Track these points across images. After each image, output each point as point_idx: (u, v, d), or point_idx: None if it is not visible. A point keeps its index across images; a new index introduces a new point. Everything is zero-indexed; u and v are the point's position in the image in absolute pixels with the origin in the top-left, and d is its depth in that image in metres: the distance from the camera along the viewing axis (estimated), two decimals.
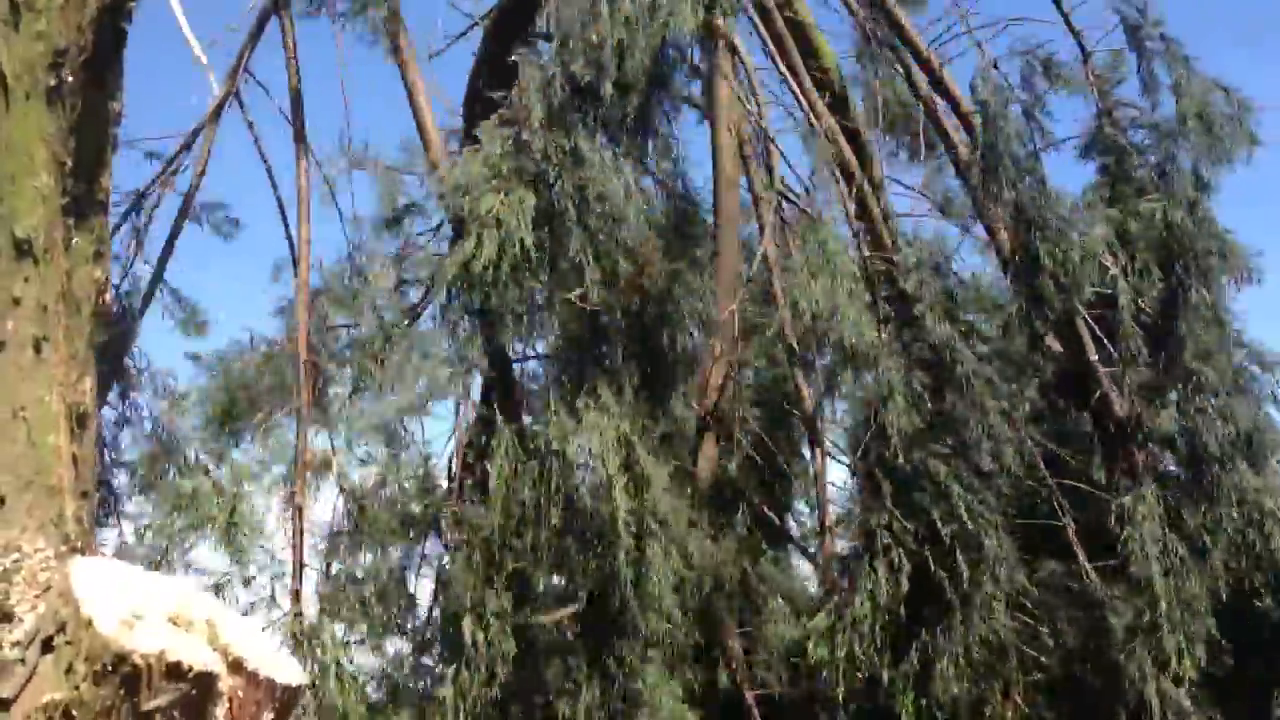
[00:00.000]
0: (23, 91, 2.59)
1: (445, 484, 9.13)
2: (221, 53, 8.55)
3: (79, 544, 2.84)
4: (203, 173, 9.26)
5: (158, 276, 8.99)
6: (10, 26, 2.56)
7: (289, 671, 2.39)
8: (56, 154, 2.72)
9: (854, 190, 7.88)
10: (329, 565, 8.49)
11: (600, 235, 6.47)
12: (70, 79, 2.75)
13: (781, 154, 9.50)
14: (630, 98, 6.34)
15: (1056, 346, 8.41)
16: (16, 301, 2.54)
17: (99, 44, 2.98)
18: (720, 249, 8.53)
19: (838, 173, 7.94)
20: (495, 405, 7.49)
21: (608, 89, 6.27)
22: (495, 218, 6.13)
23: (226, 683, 2.23)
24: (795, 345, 8.17)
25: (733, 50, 8.55)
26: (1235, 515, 7.79)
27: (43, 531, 2.55)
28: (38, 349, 2.59)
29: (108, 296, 3.12)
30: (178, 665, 2.09)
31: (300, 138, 9.35)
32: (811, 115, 8.16)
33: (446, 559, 8.21)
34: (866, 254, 7.79)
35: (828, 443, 9.19)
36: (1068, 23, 8.81)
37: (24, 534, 2.50)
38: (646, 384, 7.11)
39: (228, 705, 2.23)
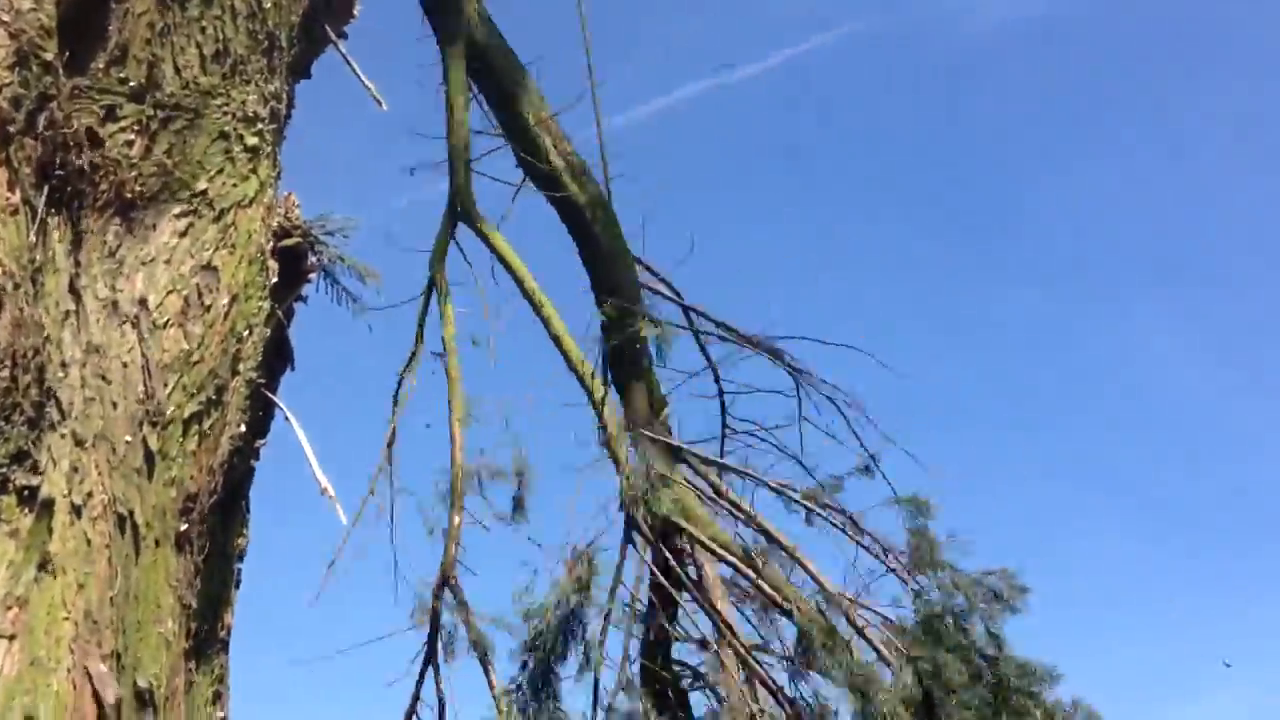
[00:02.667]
0: (153, 538, 2.61)
1: None
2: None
3: None
4: None
5: None
6: (144, 475, 2.62)
7: None
8: (183, 598, 2.71)
9: None
10: None
11: None
12: (200, 523, 2.79)
13: None
14: None
15: None
16: None
17: (228, 485, 3.07)
18: None
19: None
20: None
21: None
22: None
23: None
24: None
25: None
26: None
27: None
28: None
29: None
30: None
31: None
32: None
33: None
34: None
35: None
36: None
37: None
38: None
39: None
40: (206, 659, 2.95)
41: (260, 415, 3.33)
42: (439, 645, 7.15)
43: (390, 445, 7.36)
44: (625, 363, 7.88)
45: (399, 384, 7.52)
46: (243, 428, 2.97)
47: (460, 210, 7.42)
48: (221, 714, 2.98)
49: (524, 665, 6.90)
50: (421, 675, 7.30)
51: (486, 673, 6.92)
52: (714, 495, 7.57)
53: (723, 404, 8.49)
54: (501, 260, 7.38)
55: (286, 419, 3.30)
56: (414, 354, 7.63)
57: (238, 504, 3.18)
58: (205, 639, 2.95)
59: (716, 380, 8.44)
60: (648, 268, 8.20)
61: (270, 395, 3.33)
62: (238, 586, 3.19)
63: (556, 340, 7.48)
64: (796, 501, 8.22)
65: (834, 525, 8.30)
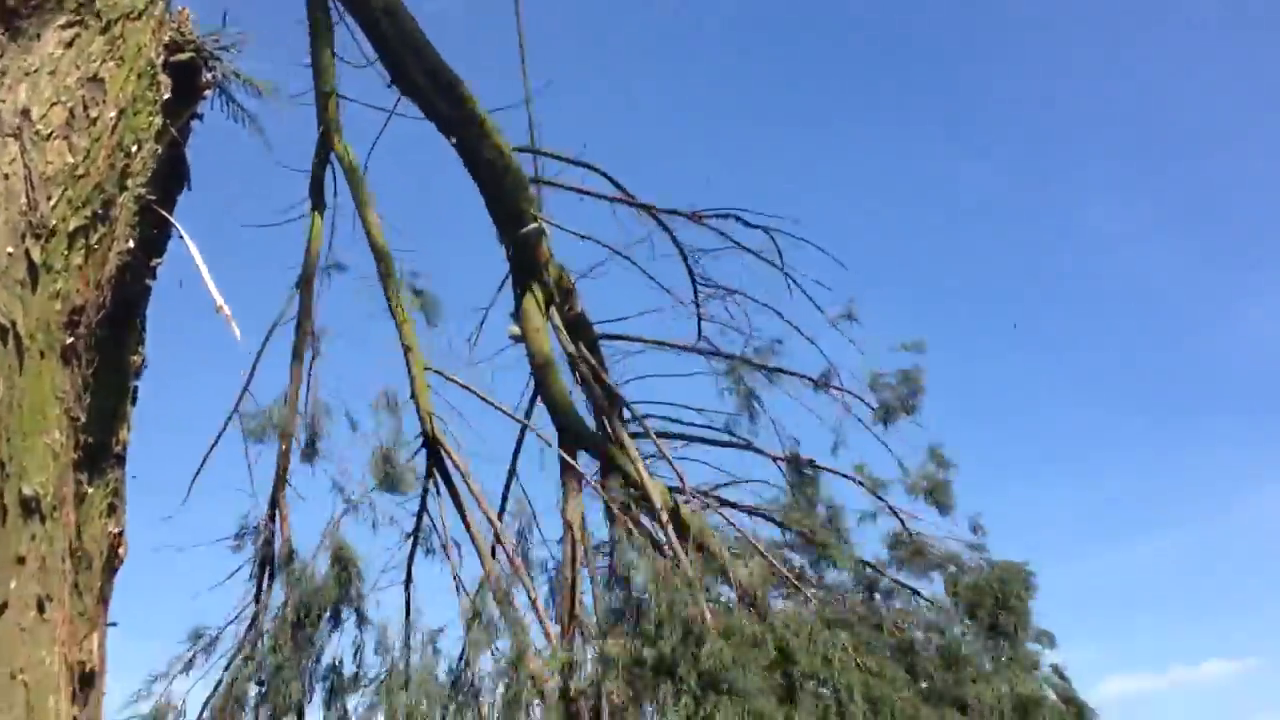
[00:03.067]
0: (37, 350, 2.61)
1: None
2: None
3: None
4: None
5: None
6: (27, 287, 2.60)
7: None
8: (70, 410, 2.72)
9: None
10: None
11: None
12: (87, 336, 2.79)
13: None
14: None
15: None
16: (21, 560, 2.47)
17: (121, 302, 3.05)
18: None
19: None
20: None
21: None
22: None
23: None
24: None
25: None
26: None
27: None
28: (40, 608, 2.52)
29: (122, 550, 3.09)
30: None
31: None
32: None
33: None
34: None
35: None
36: None
37: None
38: None
39: None
40: (101, 472, 2.99)
41: (155, 234, 3.30)
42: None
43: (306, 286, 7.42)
44: (524, 263, 8.03)
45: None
46: (131, 243, 2.95)
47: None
48: (116, 528, 3.03)
49: None
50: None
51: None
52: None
53: (690, 271, 8.90)
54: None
55: (181, 237, 3.27)
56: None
57: (132, 321, 3.18)
58: (98, 453, 2.98)
59: (681, 254, 8.81)
60: (570, 160, 8.30)
61: (165, 213, 3.29)
62: (134, 403, 3.21)
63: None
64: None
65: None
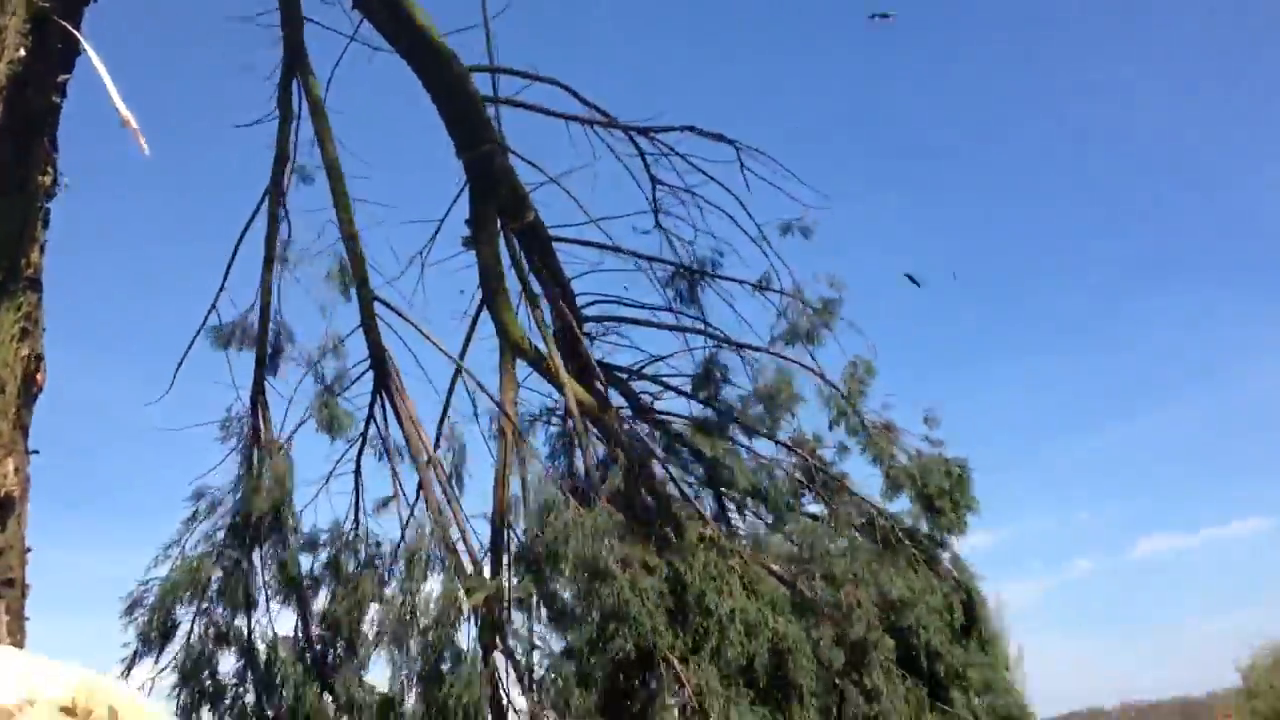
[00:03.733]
0: None
1: None
2: None
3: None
4: None
5: None
6: None
7: None
8: None
9: None
10: None
11: None
12: None
13: None
14: None
15: None
16: None
17: (22, 118, 2.90)
18: None
19: None
20: None
21: None
22: None
23: None
24: None
25: None
26: None
27: None
28: None
29: (40, 375, 3.00)
30: None
31: None
32: None
33: None
34: None
35: None
36: None
37: None
38: None
39: None
40: (10, 296, 2.88)
41: (60, 48, 3.12)
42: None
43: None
44: (480, 178, 8.34)
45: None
46: (23, 52, 2.78)
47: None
48: (29, 350, 2.94)
49: None
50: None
51: None
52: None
53: (651, 175, 9.08)
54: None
55: (85, 52, 3.09)
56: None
57: (38, 140, 3.03)
58: (7, 276, 2.88)
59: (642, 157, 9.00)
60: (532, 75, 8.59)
61: (70, 27, 3.11)
62: (46, 226, 3.08)
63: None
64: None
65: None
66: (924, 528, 9.28)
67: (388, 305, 8.01)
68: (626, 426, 8.79)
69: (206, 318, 8.07)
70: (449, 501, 7.58)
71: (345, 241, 7.83)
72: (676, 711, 7.11)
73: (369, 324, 7.92)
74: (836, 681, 8.11)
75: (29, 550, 2.88)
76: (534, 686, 7.17)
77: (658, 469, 8.77)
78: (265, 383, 8.12)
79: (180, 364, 7.94)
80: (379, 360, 7.99)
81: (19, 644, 2.71)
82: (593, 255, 9.01)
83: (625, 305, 9.24)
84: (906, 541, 9.11)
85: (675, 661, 7.05)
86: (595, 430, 8.33)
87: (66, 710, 2.06)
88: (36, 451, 2.97)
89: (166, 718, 2.28)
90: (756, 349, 9.01)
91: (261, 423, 8.02)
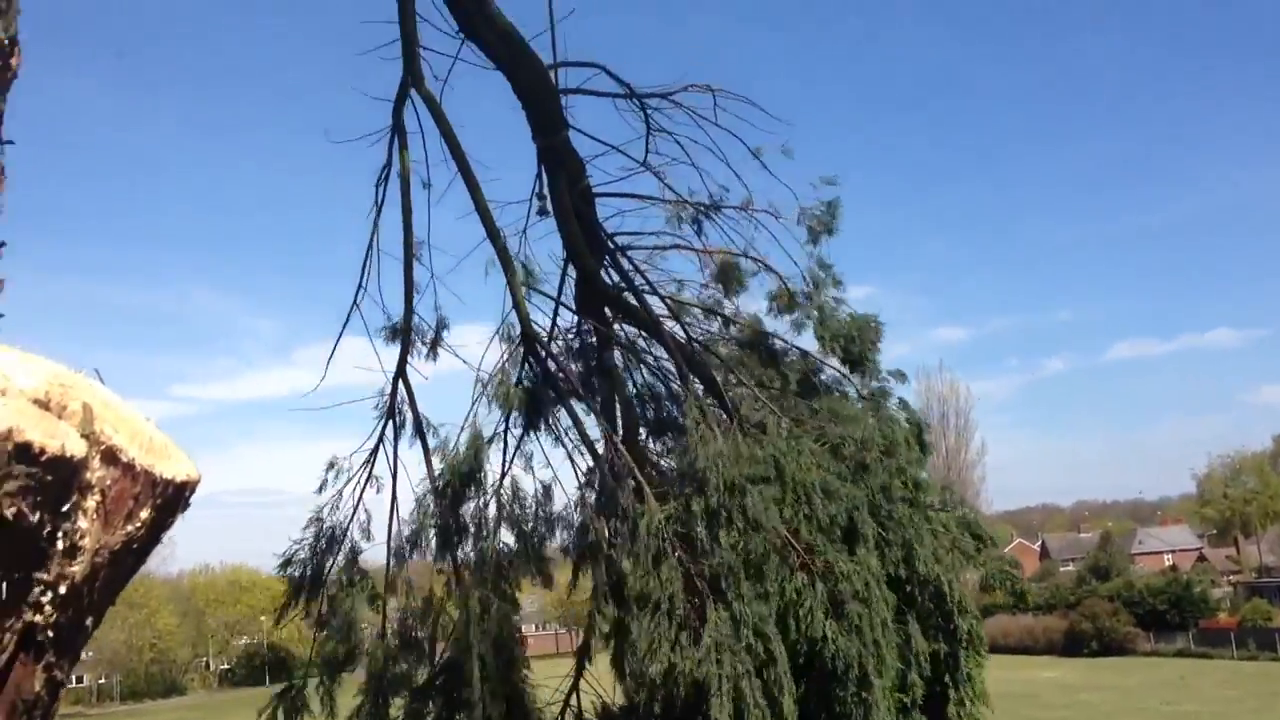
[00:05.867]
0: None
1: None
2: None
3: None
4: None
5: None
6: None
7: (178, 465, 2.16)
8: None
9: None
10: None
11: None
12: None
13: None
14: None
15: None
16: None
17: None
18: None
19: None
20: None
21: None
22: None
23: (96, 473, 1.98)
24: None
25: None
26: None
27: None
28: None
29: (14, 60, 2.80)
30: (28, 446, 1.83)
31: None
32: None
33: None
34: None
35: None
36: None
37: None
38: None
39: (99, 497, 2.00)
40: None
41: None
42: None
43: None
44: (553, 161, 10.62)
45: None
46: None
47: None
48: (4, 34, 2.74)
49: None
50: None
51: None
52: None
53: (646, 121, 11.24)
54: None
55: None
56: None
57: None
58: None
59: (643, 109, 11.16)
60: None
61: None
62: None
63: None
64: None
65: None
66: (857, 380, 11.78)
67: (540, 291, 10.64)
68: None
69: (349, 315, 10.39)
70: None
71: (492, 241, 9.94)
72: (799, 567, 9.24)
73: (520, 306, 10.05)
74: (883, 521, 10.30)
75: (3, 245, 2.76)
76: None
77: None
78: (407, 364, 10.24)
79: (331, 356, 10.31)
80: (528, 337, 10.15)
81: None
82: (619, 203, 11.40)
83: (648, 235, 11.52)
84: (866, 396, 11.65)
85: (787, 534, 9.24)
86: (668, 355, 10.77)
87: (39, 402, 1.98)
88: (12, 142, 2.81)
89: (141, 418, 2.20)
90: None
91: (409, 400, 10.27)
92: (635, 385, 11.59)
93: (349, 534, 10.34)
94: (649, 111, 10.98)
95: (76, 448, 1.93)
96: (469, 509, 10.18)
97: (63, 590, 1.95)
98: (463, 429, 10.10)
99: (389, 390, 10.24)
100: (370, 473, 10.39)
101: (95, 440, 2.01)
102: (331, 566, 10.38)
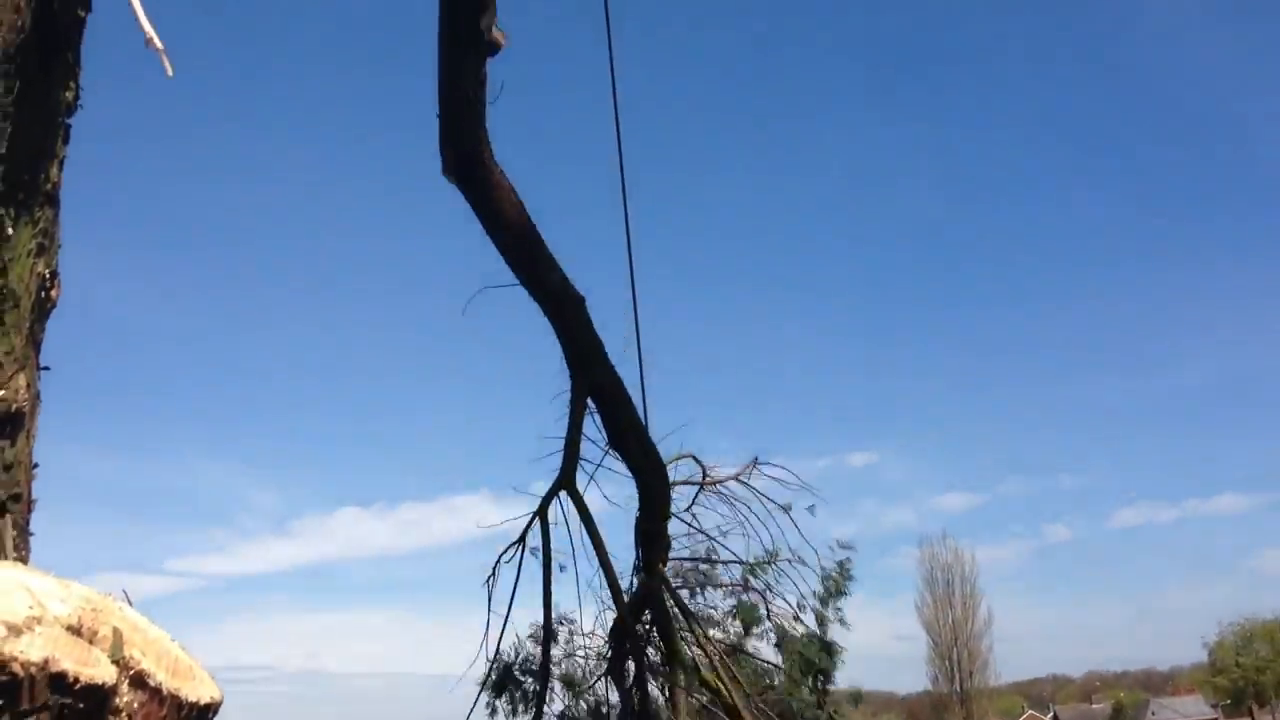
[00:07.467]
0: None
1: None
2: None
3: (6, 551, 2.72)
4: None
5: None
6: None
7: (202, 688, 2.25)
8: None
9: None
10: None
11: None
12: (4, 62, 2.63)
13: None
14: None
15: None
16: None
17: (45, 30, 2.88)
18: None
19: None
20: None
21: None
22: None
23: (125, 697, 2.08)
24: None
25: None
26: None
27: None
28: None
29: (54, 291, 3.01)
30: (62, 676, 1.93)
31: None
32: None
33: None
34: None
35: None
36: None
37: None
38: None
39: None
40: (28, 210, 2.88)
41: None
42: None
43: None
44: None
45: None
46: None
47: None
48: (47, 268, 2.95)
49: None
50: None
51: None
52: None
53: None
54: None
55: None
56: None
57: (62, 55, 3.00)
58: (26, 191, 2.87)
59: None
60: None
61: None
62: (66, 142, 3.07)
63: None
64: None
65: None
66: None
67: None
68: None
69: None
70: None
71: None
72: None
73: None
74: None
75: (36, 466, 2.90)
76: None
77: None
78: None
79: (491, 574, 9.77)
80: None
81: (24, 559, 2.74)
82: None
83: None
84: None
85: None
86: None
87: (72, 629, 2.09)
88: (48, 368, 2.98)
89: (168, 640, 2.31)
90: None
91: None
92: None
93: None
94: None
95: (107, 675, 2.04)
96: None
97: None
98: None
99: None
100: None
101: (125, 665, 2.11)
102: None
